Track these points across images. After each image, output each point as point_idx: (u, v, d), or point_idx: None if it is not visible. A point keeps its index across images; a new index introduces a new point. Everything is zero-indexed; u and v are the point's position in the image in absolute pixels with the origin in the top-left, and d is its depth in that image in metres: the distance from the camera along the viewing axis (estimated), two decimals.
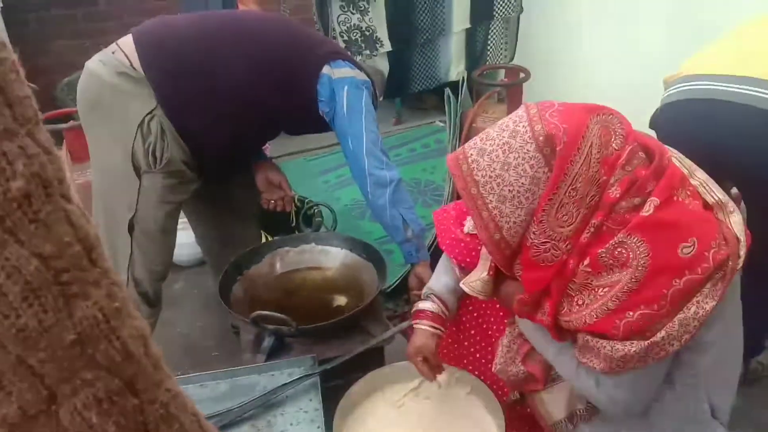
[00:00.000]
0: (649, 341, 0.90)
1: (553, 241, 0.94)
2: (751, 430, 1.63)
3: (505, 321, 1.24)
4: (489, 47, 3.06)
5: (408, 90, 2.85)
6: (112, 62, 1.52)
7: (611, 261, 0.91)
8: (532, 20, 3.13)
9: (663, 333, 0.90)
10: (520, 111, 0.99)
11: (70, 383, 0.36)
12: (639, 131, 1.04)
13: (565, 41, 3.20)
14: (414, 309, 1.32)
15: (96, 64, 1.55)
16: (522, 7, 2.98)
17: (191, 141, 1.57)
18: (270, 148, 2.95)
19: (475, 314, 1.33)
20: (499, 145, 0.95)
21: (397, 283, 2.10)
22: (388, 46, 2.66)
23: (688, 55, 1.66)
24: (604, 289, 0.92)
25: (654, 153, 0.96)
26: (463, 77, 2.43)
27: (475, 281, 1.16)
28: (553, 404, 1.18)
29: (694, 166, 1.03)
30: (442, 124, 3.45)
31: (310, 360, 1.37)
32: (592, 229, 0.92)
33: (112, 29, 3.54)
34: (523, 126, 0.95)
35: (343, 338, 1.50)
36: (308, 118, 1.69)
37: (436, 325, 1.27)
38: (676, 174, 0.95)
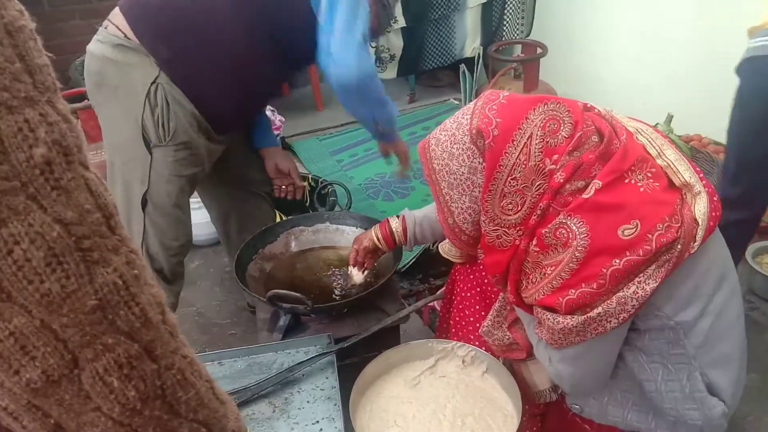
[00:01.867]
0: (585, 316, 0.93)
1: (502, 228, 1.00)
2: None
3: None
4: (505, 22, 3.00)
5: (422, 67, 2.81)
6: (108, 38, 1.51)
7: (554, 240, 0.95)
8: None
9: (599, 309, 0.93)
10: (471, 103, 1.05)
11: (92, 348, 0.36)
12: (599, 113, 1.05)
13: (583, 16, 3.12)
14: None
15: (94, 45, 1.55)
16: None
17: (199, 99, 1.53)
18: (282, 129, 2.94)
19: (478, 288, 1.34)
20: (448, 135, 1.04)
21: (411, 262, 2.10)
22: (402, 22, 2.61)
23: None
24: (551, 268, 0.96)
25: (604, 137, 0.97)
26: (479, 53, 2.39)
27: (448, 245, 1.25)
28: (538, 373, 1.23)
29: (666, 146, 1.03)
30: (457, 102, 3.41)
31: (326, 338, 1.37)
32: (539, 212, 0.96)
33: None
34: (466, 119, 1.02)
35: (358, 317, 1.50)
36: (309, 40, 1.54)
37: (381, 239, 1.45)
38: (630, 156, 0.95)
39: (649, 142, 1.02)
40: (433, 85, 3.77)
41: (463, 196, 1.03)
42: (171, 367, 0.41)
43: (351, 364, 1.37)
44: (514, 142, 0.95)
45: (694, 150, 2.40)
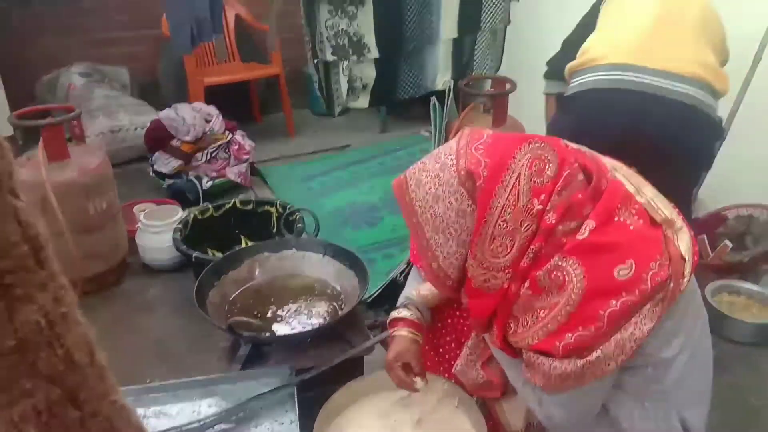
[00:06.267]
0: (584, 360, 0.91)
1: (491, 272, 0.97)
2: None
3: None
4: (476, 57, 3.07)
5: (394, 97, 2.84)
6: None
7: (549, 283, 0.93)
8: (518, 32, 3.14)
9: (598, 353, 0.91)
10: (452, 142, 1.02)
11: (8, 393, 0.33)
12: (579, 150, 1.05)
13: (550, 54, 3.21)
14: (390, 317, 1.29)
15: None
16: (509, 19, 2.99)
17: None
18: (252, 154, 2.91)
19: (449, 320, 1.32)
20: (431, 177, 0.99)
21: (378, 292, 2.07)
22: (375, 53, 2.65)
23: None
24: (545, 311, 0.94)
25: (592, 175, 0.96)
26: (450, 86, 2.42)
27: (429, 294, 1.20)
28: (512, 413, 1.21)
29: (642, 183, 1.03)
30: (427, 134, 3.45)
31: (287, 369, 1.33)
32: (531, 254, 0.94)
33: (98, 26, 3.49)
34: (451, 159, 0.98)
35: (322, 347, 1.46)
36: None
37: (414, 331, 1.24)
38: (617, 194, 0.95)
39: (626, 179, 1.02)
40: (404, 117, 3.81)
41: (450, 241, 0.97)
42: (96, 414, 0.37)
43: (312, 398, 1.33)
44: (504, 183, 0.92)
45: None
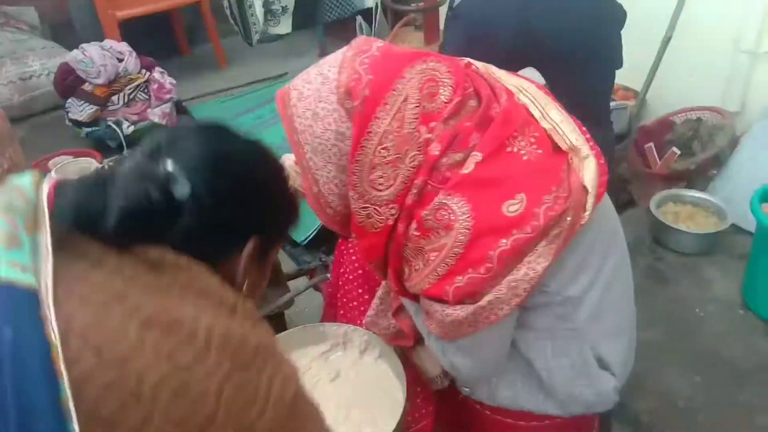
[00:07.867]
0: (475, 305, 0.84)
1: (373, 206, 0.86)
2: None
3: None
4: None
5: (319, 19, 2.61)
6: None
7: (436, 223, 0.83)
8: None
9: (490, 296, 0.83)
10: (339, 51, 0.88)
11: None
12: (477, 72, 0.93)
13: None
14: None
15: None
16: None
17: None
18: (174, 92, 2.70)
19: (360, 271, 1.24)
20: (313, 90, 0.86)
21: (313, 234, 1.97)
22: None
23: None
24: (434, 254, 0.85)
25: (482, 100, 0.85)
26: (377, 3, 2.21)
27: None
28: (427, 359, 1.15)
29: (550, 105, 0.92)
30: None
31: None
32: (415, 190, 0.84)
33: None
34: (333, 72, 0.85)
35: None
36: None
37: None
38: (512, 121, 0.85)
39: (532, 102, 0.91)
40: (341, 37, 3.57)
41: (329, 164, 0.87)
42: None
43: None
44: (387, 106, 0.81)
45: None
